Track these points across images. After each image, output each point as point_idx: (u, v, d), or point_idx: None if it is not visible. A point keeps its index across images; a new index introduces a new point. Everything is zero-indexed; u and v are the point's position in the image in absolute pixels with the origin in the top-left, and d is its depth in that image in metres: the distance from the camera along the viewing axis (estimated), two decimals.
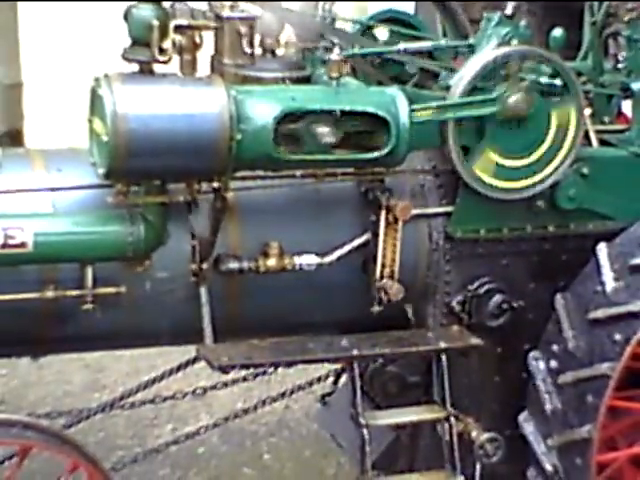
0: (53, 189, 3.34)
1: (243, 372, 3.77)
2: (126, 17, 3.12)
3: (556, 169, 3.59)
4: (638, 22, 3.98)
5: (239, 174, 3.35)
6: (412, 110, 3.36)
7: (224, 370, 3.36)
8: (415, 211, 3.54)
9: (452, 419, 3.54)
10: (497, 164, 3.54)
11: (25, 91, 7.33)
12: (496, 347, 3.68)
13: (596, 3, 4.22)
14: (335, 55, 3.43)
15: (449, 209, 3.64)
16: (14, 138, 6.83)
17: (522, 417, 3.68)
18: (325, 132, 3.27)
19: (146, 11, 3.08)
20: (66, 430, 3.29)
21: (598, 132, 3.86)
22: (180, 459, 4.56)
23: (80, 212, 3.32)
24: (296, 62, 3.53)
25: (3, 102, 7.49)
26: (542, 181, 3.60)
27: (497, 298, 3.67)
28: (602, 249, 3.63)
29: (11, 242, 3.11)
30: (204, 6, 3.40)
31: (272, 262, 3.42)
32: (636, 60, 3.96)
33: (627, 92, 3.92)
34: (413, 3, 4.67)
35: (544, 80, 3.51)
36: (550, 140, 3.58)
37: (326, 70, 3.41)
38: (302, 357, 3.49)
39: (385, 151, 3.32)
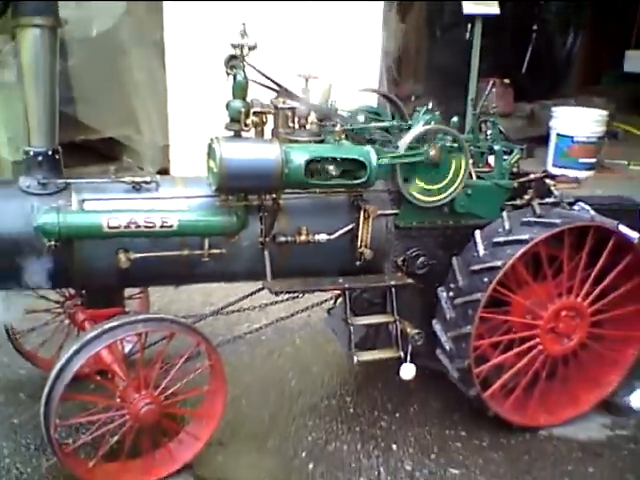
0: (188, 197, 3.22)
1: (287, 295, 3.63)
2: (227, 106, 3.01)
3: (454, 191, 3.45)
4: (497, 115, 3.87)
5: (286, 190, 3.22)
6: (379, 158, 3.23)
7: (277, 294, 3.27)
8: (379, 212, 3.42)
9: (397, 322, 3.43)
10: (422, 188, 3.41)
11: (171, 150, 7.04)
12: (420, 284, 3.54)
13: (474, 103, 4.11)
14: (337, 128, 3.31)
15: (397, 211, 3.50)
16: (164, 174, 6.69)
17: (434, 321, 3.56)
18: (331, 168, 3.16)
19: (237, 104, 2.98)
20: (193, 324, 3.18)
21: (476, 172, 3.71)
22: (251, 342, 4.42)
23: (202, 209, 3.19)
24: (316, 132, 3.37)
25: (158, 156, 7.33)
26: (446, 197, 3.45)
27: (421, 259, 3.54)
28: (477, 233, 3.51)
29: (165, 224, 3.02)
30: (268, 101, 3.25)
31: (303, 237, 3.30)
32: (496, 135, 3.83)
33: (491, 151, 3.79)
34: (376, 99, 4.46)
35: (448, 144, 3.38)
36: (450, 175, 3.42)
37: (332, 136, 3.29)
38: (318, 287, 3.37)
39: (363, 180, 3.20)
